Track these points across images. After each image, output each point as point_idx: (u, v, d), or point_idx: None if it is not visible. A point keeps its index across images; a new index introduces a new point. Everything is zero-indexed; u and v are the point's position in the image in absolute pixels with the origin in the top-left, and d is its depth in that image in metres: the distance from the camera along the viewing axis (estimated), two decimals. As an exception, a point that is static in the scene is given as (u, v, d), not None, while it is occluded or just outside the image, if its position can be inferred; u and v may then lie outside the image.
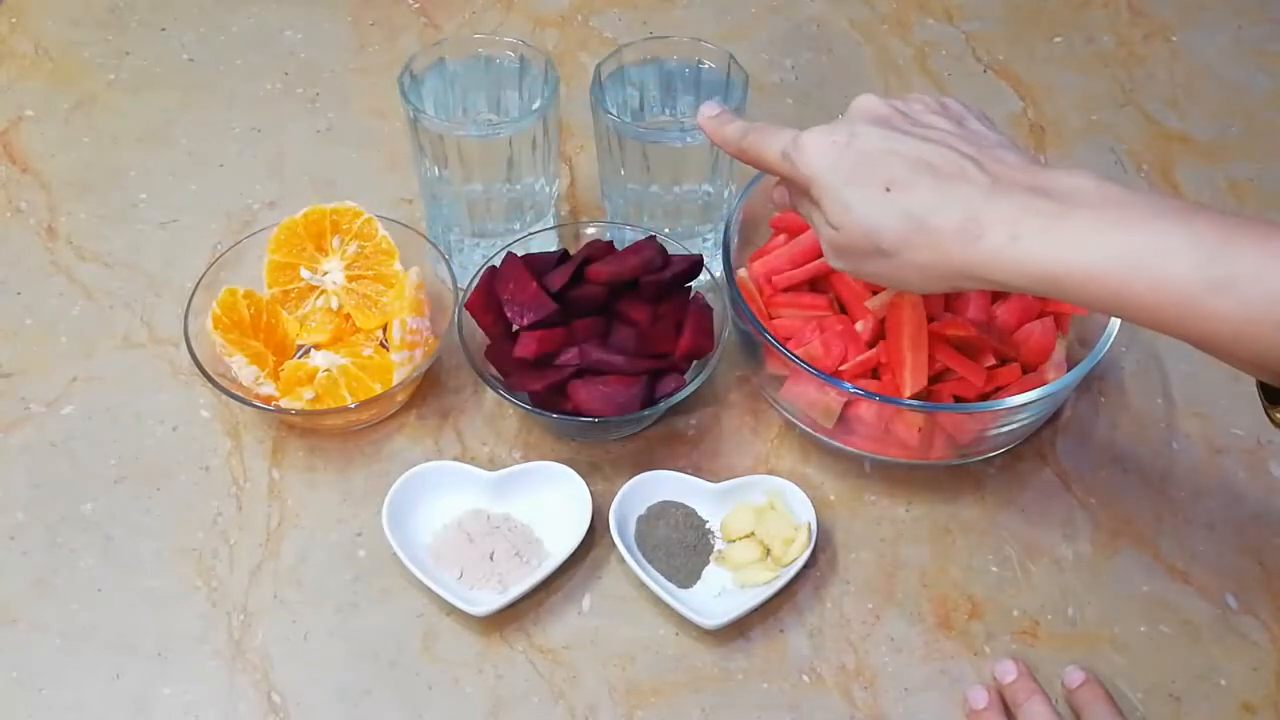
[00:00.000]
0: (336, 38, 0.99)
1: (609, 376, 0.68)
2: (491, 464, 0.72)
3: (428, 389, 0.76)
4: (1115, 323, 0.67)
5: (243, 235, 0.78)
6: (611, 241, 0.74)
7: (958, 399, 0.68)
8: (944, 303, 0.70)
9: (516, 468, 0.70)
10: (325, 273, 0.76)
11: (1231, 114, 0.94)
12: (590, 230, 0.78)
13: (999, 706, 0.63)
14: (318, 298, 0.76)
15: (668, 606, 0.65)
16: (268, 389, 0.71)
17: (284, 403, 0.71)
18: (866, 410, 0.67)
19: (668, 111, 0.78)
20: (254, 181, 0.88)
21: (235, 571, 0.68)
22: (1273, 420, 0.55)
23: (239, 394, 0.70)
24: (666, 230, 0.76)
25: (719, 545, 0.69)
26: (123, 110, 0.93)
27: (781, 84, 0.96)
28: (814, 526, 0.67)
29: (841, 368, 0.69)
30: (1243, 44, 0.99)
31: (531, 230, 0.77)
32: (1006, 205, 0.51)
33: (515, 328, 0.69)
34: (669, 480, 0.70)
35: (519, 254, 0.72)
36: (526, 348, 0.68)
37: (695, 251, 0.73)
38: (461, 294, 0.72)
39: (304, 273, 0.76)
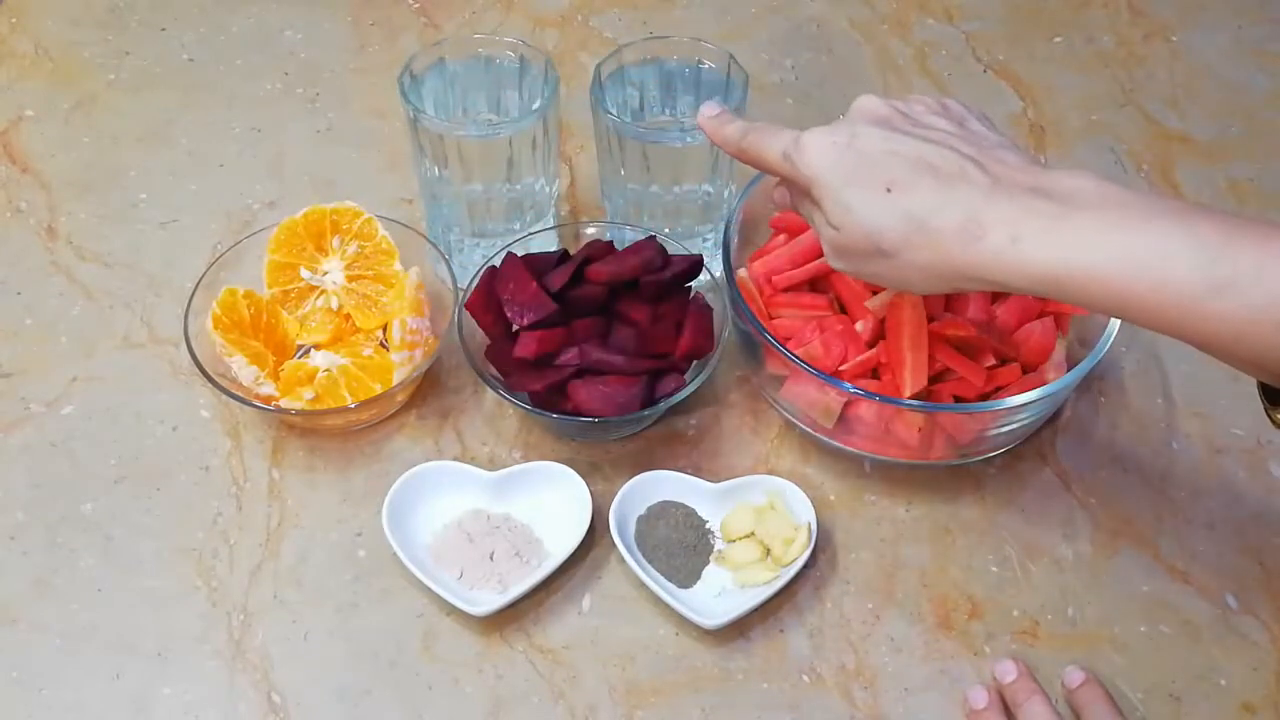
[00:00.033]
0: (336, 38, 0.99)
1: (609, 376, 0.68)
2: (491, 464, 0.72)
3: (428, 389, 0.76)
4: (1115, 323, 0.67)
5: (243, 235, 0.78)
6: (611, 241, 0.74)
7: (958, 399, 0.68)
8: (944, 303, 0.70)
9: (516, 468, 0.70)
10: (325, 273, 0.76)
11: (1231, 114, 0.94)
12: (590, 230, 0.78)
13: (999, 706, 0.63)
14: (318, 298, 0.76)
15: (668, 606, 0.65)
16: (268, 389, 0.71)
17: (284, 403, 0.71)
18: (866, 410, 0.67)
19: (668, 111, 0.78)
20: (254, 181, 0.88)
21: (235, 571, 0.68)
22: (1273, 421, 0.55)
23: (239, 394, 0.70)
24: (666, 230, 0.76)
25: (719, 545, 0.69)
26: (123, 110, 0.93)
27: (781, 84, 0.96)
28: (814, 526, 0.67)
29: (841, 368, 0.69)
30: (1243, 44, 0.99)
31: (531, 230, 0.77)
32: (1007, 206, 0.51)
33: (515, 328, 0.69)
34: (669, 480, 0.70)
35: (519, 254, 0.72)
36: (526, 348, 0.68)
37: (695, 251, 0.73)
38: (461, 294, 0.72)
39: (304, 273, 0.76)
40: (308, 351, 0.76)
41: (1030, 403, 0.65)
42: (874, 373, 0.69)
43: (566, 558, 0.66)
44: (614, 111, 0.73)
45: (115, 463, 0.73)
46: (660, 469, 0.70)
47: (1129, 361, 0.78)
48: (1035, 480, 0.73)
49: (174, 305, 0.79)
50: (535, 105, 0.73)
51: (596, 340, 0.70)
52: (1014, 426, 0.68)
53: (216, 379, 0.70)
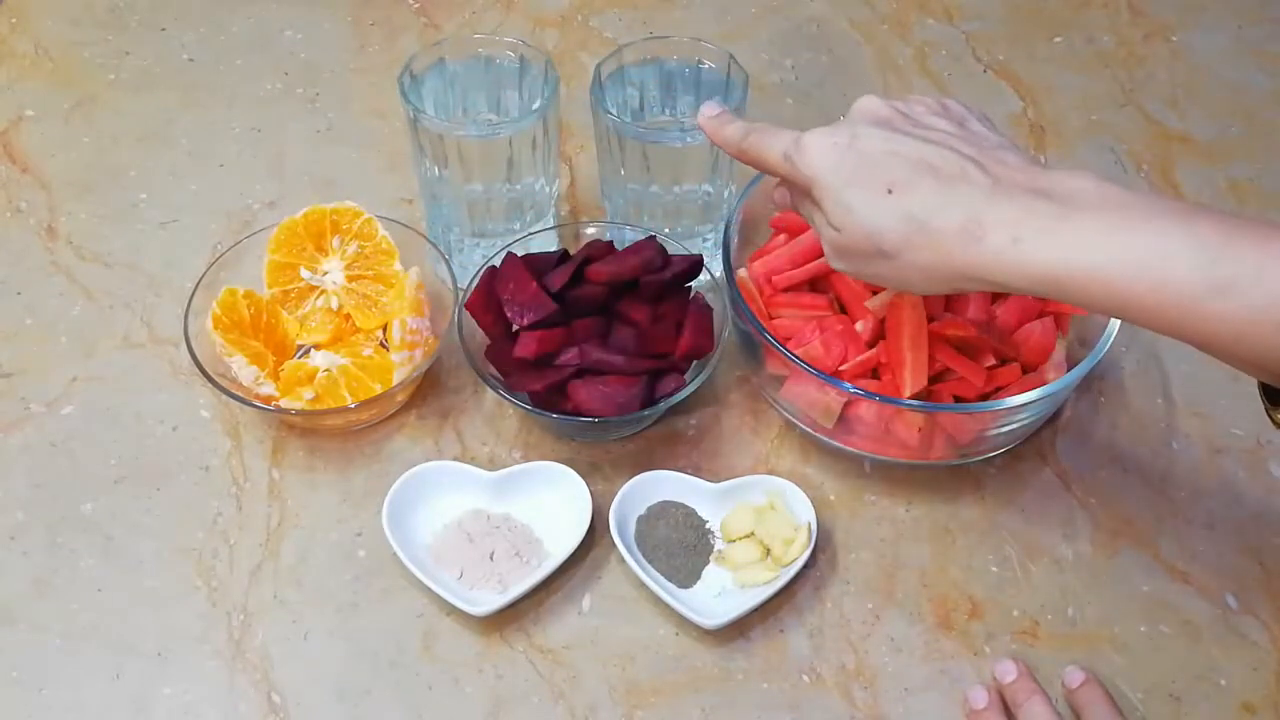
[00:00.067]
0: (336, 38, 0.99)
1: (609, 376, 0.68)
2: (491, 464, 0.72)
3: (428, 389, 0.76)
4: (1115, 323, 0.67)
5: (243, 235, 0.78)
6: (611, 241, 0.74)
7: (958, 399, 0.68)
8: (944, 303, 0.70)
9: (516, 468, 0.70)
10: (325, 273, 0.76)
11: (1231, 114, 0.94)
12: (590, 230, 0.78)
13: (999, 706, 0.63)
14: (318, 298, 0.76)
15: (668, 606, 0.65)
16: (268, 389, 0.71)
17: (284, 403, 0.71)
18: (866, 410, 0.67)
19: (668, 111, 0.78)
20: (254, 181, 0.88)
21: (235, 571, 0.68)
22: (1273, 421, 0.55)
23: (239, 394, 0.70)
24: (666, 230, 0.76)
25: (719, 545, 0.69)
26: (123, 110, 0.93)
27: (781, 84, 0.96)
28: (814, 526, 0.67)
29: (841, 368, 0.69)
30: (1243, 44, 0.99)
31: (531, 230, 0.77)
32: (1008, 207, 0.51)
33: (515, 328, 0.69)
34: (669, 480, 0.70)
35: (519, 254, 0.72)
36: (526, 348, 0.68)
37: (695, 251, 0.73)
38: (461, 294, 0.72)
39: (304, 273, 0.76)
40: (308, 351, 0.76)
41: (1030, 403, 0.65)
42: (874, 373, 0.69)
43: (566, 558, 0.66)
44: (614, 111, 0.73)
45: (115, 463, 0.73)
46: (660, 469, 0.70)
47: (1129, 361, 0.78)
48: (1035, 480, 0.73)
49: (174, 305, 0.79)
50: (535, 105, 0.73)
51: (596, 340, 0.70)
52: (1014, 426, 0.68)
53: (216, 379, 0.70)
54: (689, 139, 0.71)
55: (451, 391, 0.76)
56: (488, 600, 0.65)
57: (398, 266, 0.76)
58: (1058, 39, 1.00)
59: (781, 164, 0.57)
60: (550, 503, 0.69)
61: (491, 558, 0.67)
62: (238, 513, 0.71)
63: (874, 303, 0.69)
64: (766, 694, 0.64)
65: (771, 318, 0.73)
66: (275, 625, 0.66)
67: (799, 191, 0.58)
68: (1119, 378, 0.77)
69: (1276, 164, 0.90)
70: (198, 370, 0.70)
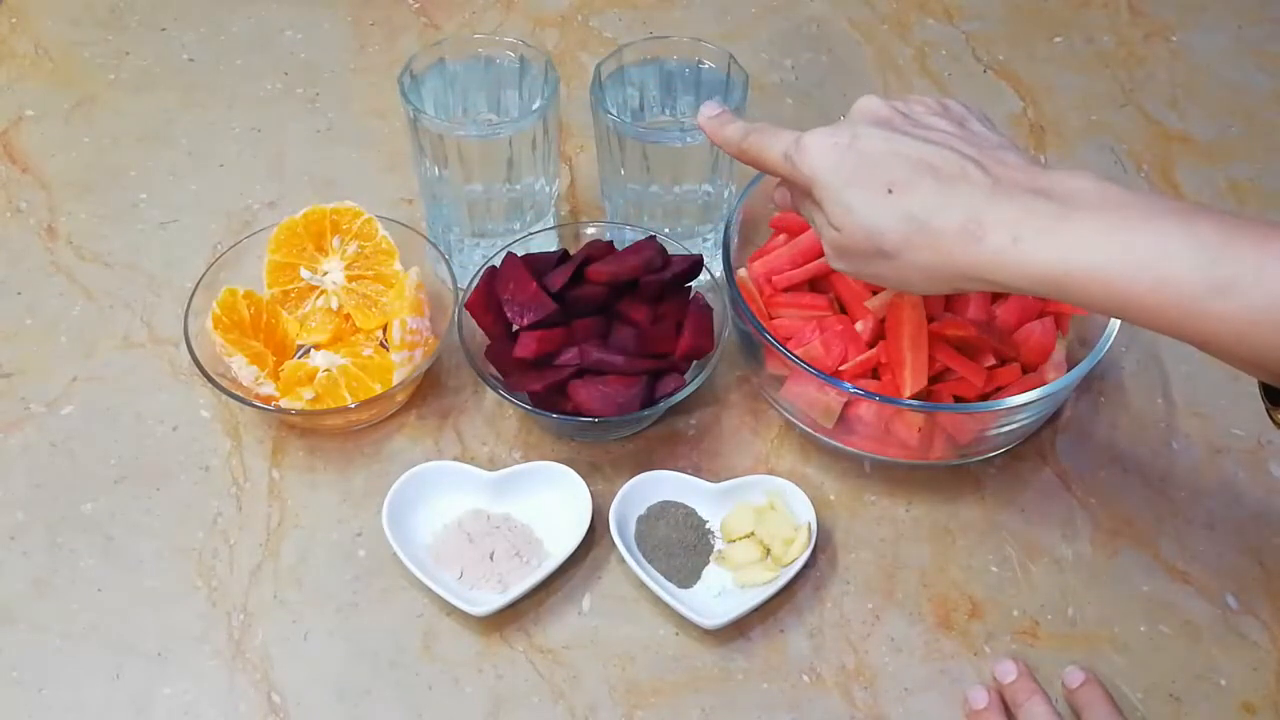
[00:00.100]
0: (336, 38, 0.99)
1: (609, 376, 0.68)
2: (491, 464, 0.72)
3: (428, 389, 0.76)
4: (1115, 323, 0.67)
5: (243, 235, 0.78)
6: (611, 241, 0.74)
7: (958, 399, 0.68)
8: (944, 303, 0.70)
9: (516, 468, 0.70)
10: (325, 273, 0.76)
11: (1231, 114, 0.94)
12: (590, 230, 0.78)
13: (999, 706, 0.63)
14: (318, 298, 0.76)
15: (668, 606, 0.65)
16: (268, 389, 0.71)
17: (284, 403, 0.71)
18: (866, 410, 0.67)
19: (668, 111, 0.78)
20: (254, 181, 0.88)
21: (235, 571, 0.68)
22: (1274, 420, 0.55)
23: (239, 394, 0.70)
24: (666, 230, 0.76)
25: (719, 545, 0.69)
26: (123, 110, 0.93)
27: (781, 84, 0.96)
28: (814, 526, 0.67)
29: (841, 368, 0.69)
30: (1243, 44, 0.99)
31: (531, 230, 0.77)
32: (1008, 207, 0.51)
33: (515, 328, 0.69)
34: (669, 480, 0.70)
35: (519, 254, 0.72)
36: (526, 348, 0.68)
37: (695, 251, 0.73)
38: (461, 294, 0.72)
39: (304, 273, 0.76)
40: (308, 351, 0.76)
41: (1030, 403, 0.65)
42: (874, 373, 0.69)
43: (566, 558, 0.66)
44: (614, 111, 0.73)
45: (115, 463, 0.73)
46: (660, 469, 0.70)
47: (1129, 361, 0.78)
48: (1035, 480, 0.73)
49: (174, 305, 0.79)
50: (535, 105, 0.73)
51: (596, 340, 0.70)
52: (1014, 426, 0.68)
53: (216, 379, 0.70)
54: (689, 139, 0.71)
55: (451, 391, 0.76)
56: (488, 600, 0.65)
57: (398, 266, 0.76)
58: (1058, 39, 1.00)
59: (782, 164, 0.57)
60: (550, 503, 0.69)
61: (491, 558, 0.67)
62: (238, 513, 0.71)
63: (874, 303, 0.69)
64: (766, 694, 0.64)
65: (771, 318, 0.73)
66: (275, 625, 0.66)
67: (799, 191, 0.58)
68: (1119, 378, 0.77)
69: (1276, 164, 0.90)
70: (198, 370, 0.70)
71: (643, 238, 0.73)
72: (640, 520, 0.69)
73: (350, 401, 0.71)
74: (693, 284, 0.73)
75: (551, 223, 0.79)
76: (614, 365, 0.68)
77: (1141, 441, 0.74)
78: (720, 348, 0.71)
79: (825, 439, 0.71)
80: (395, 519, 0.67)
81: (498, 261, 0.72)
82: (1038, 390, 0.65)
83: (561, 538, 0.67)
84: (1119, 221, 0.49)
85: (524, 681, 0.64)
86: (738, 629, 0.66)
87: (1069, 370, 0.67)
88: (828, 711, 0.63)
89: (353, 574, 0.68)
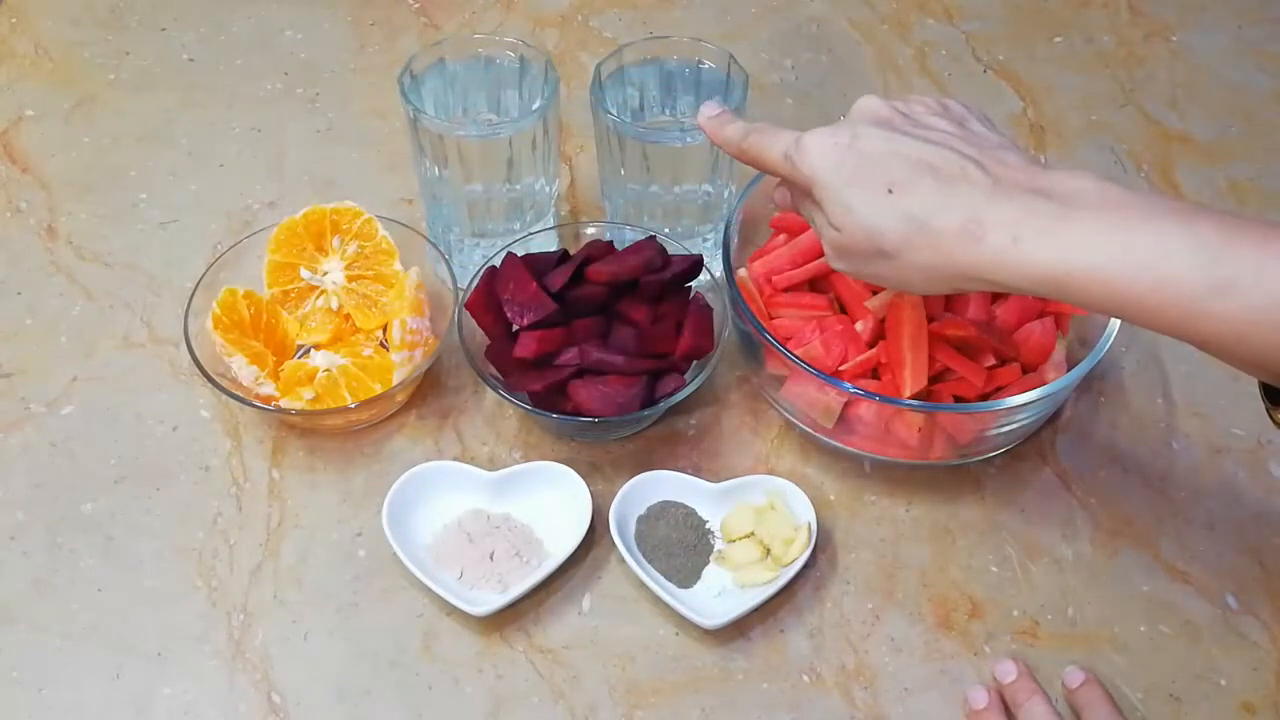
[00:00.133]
0: (336, 38, 0.99)
1: (609, 376, 0.68)
2: (491, 464, 0.72)
3: (428, 389, 0.76)
4: (1115, 323, 0.67)
5: (243, 235, 0.78)
6: (611, 241, 0.74)
7: (958, 399, 0.68)
8: (944, 303, 0.70)
9: (516, 468, 0.70)
10: (325, 273, 0.76)
11: (1231, 114, 0.94)
12: (590, 230, 0.78)
13: (999, 706, 0.63)
14: (318, 298, 0.76)
15: (668, 606, 0.65)
16: (268, 389, 0.71)
17: (284, 403, 0.71)
18: (866, 410, 0.67)
19: (668, 111, 0.78)
20: (254, 181, 0.88)
21: (235, 571, 0.68)
22: (1274, 420, 0.55)
23: (239, 394, 0.70)
24: (666, 230, 0.76)
25: (719, 545, 0.69)
26: (123, 110, 0.93)
27: (781, 84, 0.96)
28: (814, 526, 0.67)
29: (841, 368, 0.69)
30: (1243, 44, 0.99)
31: (531, 230, 0.77)
32: (1008, 207, 0.51)
33: (515, 328, 0.69)
34: (669, 480, 0.70)
35: (519, 254, 0.72)
36: (526, 348, 0.68)
37: (695, 251, 0.73)
38: (461, 294, 0.72)
39: (304, 273, 0.76)
40: (308, 351, 0.76)
41: (1030, 403, 0.65)
42: (874, 373, 0.69)
43: (566, 558, 0.66)
44: (614, 111, 0.73)
45: (115, 463, 0.73)
46: (660, 469, 0.70)
47: (1129, 361, 0.78)
48: (1035, 480, 0.73)
49: (174, 305, 0.79)
50: (535, 105, 0.73)
51: (596, 340, 0.70)
52: (1014, 426, 0.68)
53: (216, 379, 0.70)
54: (689, 139, 0.71)
55: (451, 391, 0.76)
56: (488, 600, 0.65)
57: (398, 266, 0.76)
58: (1058, 39, 1.00)
59: (782, 164, 0.57)
60: (550, 503, 0.69)
61: (491, 558, 0.67)
62: (238, 513, 0.71)
63: (874, 303, 0.69)
64: (766, 694, 0.64)
65: (771, 318, 0.73)
66: (275, 625, 0.66)
67: (799, 191, 0.58)
68: (1119, 378, 0.77)
69: (1276, 164, 0.90)
70: (198, 370, 0.70)
71: (643, 238, 0.73)
72: (640, 520, 0.69)
73: (350, 401, 0.71)
74: (693, 284, 0.73)
75: (551, 223, 0.79)
76: (614, 365, 0.68)
77: (1141, 441, 0.74)
78: (720, 348, 0.71)
79: (825, 439, 0.71)
80: (395, 519, 0.67)
81: (498, 261, 0.72)
82: (1038, 390, 0.65)
83: (561, 538, 0.67)
84: (1119, 221, 0.49)
85: (524, 681, 0.64)
86: (738, 629, 0.66)
87: (1069, 370, 0.67)
88: (828, 711, 0.63)
89: (353, 574, 0.68)
